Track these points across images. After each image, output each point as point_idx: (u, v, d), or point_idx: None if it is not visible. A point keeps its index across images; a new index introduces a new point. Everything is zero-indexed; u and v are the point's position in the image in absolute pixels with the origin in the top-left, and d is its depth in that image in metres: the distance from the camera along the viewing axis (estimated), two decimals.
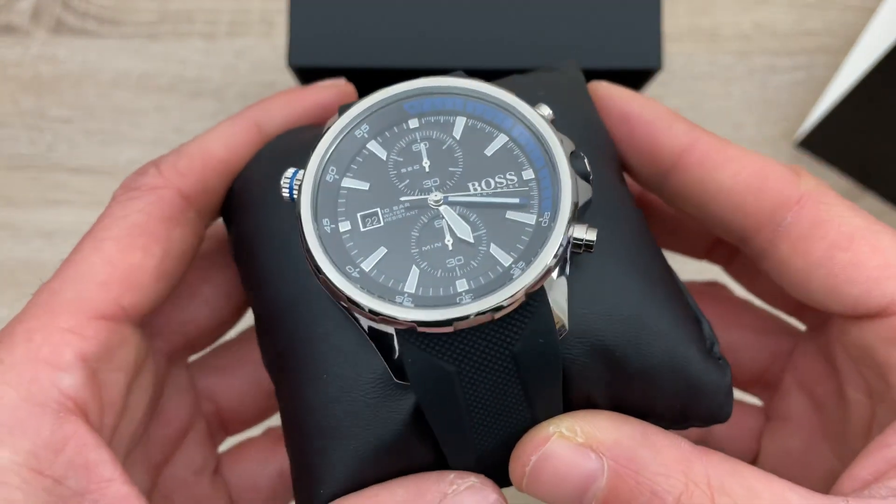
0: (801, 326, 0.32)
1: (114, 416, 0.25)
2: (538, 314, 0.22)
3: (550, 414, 0.23)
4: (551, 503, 0.22)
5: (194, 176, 0.27)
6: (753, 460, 0.33)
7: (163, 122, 0.52)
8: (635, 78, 0.41)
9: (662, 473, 0.21)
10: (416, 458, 0.24)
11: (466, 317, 0.21)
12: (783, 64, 0.54)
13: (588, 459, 0.22)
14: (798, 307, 0.31)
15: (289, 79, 0.51)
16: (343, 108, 0.25)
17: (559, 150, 0.23)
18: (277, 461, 0.33)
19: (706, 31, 0.54)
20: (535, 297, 0.22)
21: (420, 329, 0.22)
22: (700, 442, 0.26)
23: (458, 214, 0.23)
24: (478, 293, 0.22)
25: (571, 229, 0.22)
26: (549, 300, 0.22)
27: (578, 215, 0.23)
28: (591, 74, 0.40)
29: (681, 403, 0.25)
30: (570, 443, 0.22)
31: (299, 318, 0.24)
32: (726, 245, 0.32)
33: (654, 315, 0.24)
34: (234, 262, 0.28)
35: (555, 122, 0.24)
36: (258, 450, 0.33)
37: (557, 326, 0.22)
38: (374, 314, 0.22)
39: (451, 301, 0.22)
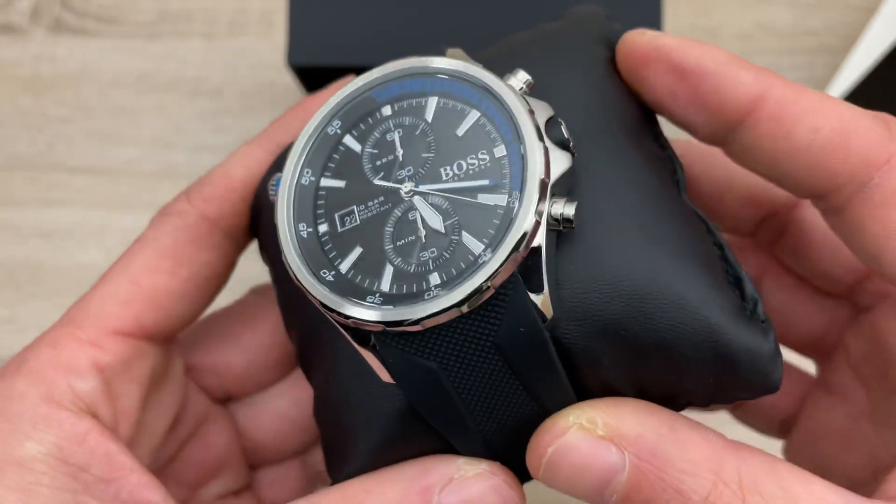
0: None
1: (129, 426, 0.27)
2: (513, 304, 0.20)
3: (562, 402, 0.22)
4: (570, 495, 0.22)
5: (217, 199, 0.28)
6: (791, 425, 0.32)
7: (162, 122, 0.52)
8: None
9: (689, 472, 0.20)
10: (430, 444, 0.24)
11: (434, 314, 0.20)
12: (784, 63, 0.54)
13: (609, 453, 0.21)
14: (849, 290, 0.29)
15: (288, 78, 0.51)
16: None
17: (524, 118, 0.21)
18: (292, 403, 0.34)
19: (707, 31, 0.54)
20: (507, 285, 0.21)
21: (389, 329, 0.21)
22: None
23: (430, 203, 0.22)
24: (449, 286, 0.21)
25: (543, 206, 0.21)
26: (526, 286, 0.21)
27: (561, 187, 0.21)
28: None
29: (712, 377, 0.22)
30: (590, 435, 0.21)
31: (318, 315, 0.24)
32: (772, 225, 0.31)
33: (662, 283, 0.21)
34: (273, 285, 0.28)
35: (533, 88, 0.23)
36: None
37: (545, 313, 0.21)
38: (342, 317, 0.21)
39: (419, 297, 0.21)
